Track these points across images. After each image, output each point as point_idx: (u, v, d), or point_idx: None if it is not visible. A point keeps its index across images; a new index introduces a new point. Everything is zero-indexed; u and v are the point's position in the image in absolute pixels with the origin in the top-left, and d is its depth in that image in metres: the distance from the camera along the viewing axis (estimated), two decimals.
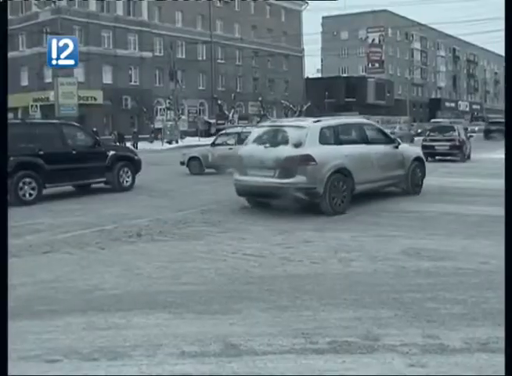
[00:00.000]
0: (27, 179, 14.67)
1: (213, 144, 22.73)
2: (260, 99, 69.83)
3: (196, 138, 53.90)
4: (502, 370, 4.43)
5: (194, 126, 60.21)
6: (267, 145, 12.16)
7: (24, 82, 58.83)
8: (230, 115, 64.89)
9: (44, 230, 10.70)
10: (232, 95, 67.70)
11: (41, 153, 15.13)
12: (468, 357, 4.67)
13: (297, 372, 4.47)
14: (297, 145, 11.70)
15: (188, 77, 66.54)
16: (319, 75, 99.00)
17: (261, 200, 12.80)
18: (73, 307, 6.06)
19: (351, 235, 9.56)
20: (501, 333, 5.13)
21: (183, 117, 60.64)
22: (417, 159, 14.60)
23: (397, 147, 13.88)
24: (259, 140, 12.60)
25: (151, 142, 52.68)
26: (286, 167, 11.64)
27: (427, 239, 9.22)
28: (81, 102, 48.51)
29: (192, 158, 22.59)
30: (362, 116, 70.19)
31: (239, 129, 23.06)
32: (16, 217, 11.40)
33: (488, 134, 51.14)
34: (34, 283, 6.90)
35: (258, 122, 63.44)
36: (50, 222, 11.57)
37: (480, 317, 5.57)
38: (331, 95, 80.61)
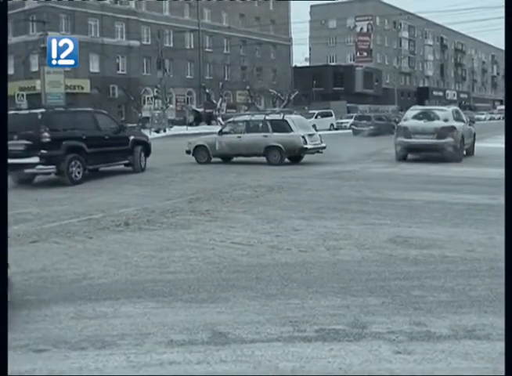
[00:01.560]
0: (76, 161, 16.36)
1: (220, 132, 22.27)
2: (248, 87, 69.65)
3: (184, 127, 53.73)
4: (487, 356, 4.47)
5: (182, 115, 60.03)
6: (425, 120, 21.22)
7: (10, 71, 58.37)
8: (218, 104, 64.68)
9: (31, 220, 10.67)
10: (220, 83, 67.48)
11: (84, 137, 16.82)
12: (455, 344, 4.70)
13: (284, 360, 4.48)
14: (446, 120, 20.95)
15: (175, 66, 66.31)
16: (307, 64, 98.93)
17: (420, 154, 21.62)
18: (61, 296, 6.05)
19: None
20: (487, 320, 5.19)
21: (171, 105, 60.49)
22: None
23: (470, 125, 23.87)
24: (417, 117, 21.58)
25: (139, 131, 52.37)
26: (442, 132, 20.39)
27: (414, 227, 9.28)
28: (68, 91, 48.22)
29: (198, 147, 22.10)
30: (350, 105, 70.44)
31: (247, 117, 22.60)
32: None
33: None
34: (22, 273, 6.88)
35: (246, 111, 63.47)
36: (37, 212, 11.53)
37: (466, 304, 5.60)
38: (319, 83, 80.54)
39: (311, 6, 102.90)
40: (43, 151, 15.79)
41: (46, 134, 15.86)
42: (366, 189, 13.97)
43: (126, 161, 18.70)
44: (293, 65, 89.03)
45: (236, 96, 73.74)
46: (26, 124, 15.89)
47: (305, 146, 20.60)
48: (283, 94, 73.23)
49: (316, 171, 18.36)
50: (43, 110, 16.99)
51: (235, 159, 21.66)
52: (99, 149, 17.17)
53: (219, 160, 21.78)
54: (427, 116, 21.46)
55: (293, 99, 71.90)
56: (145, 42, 63.53)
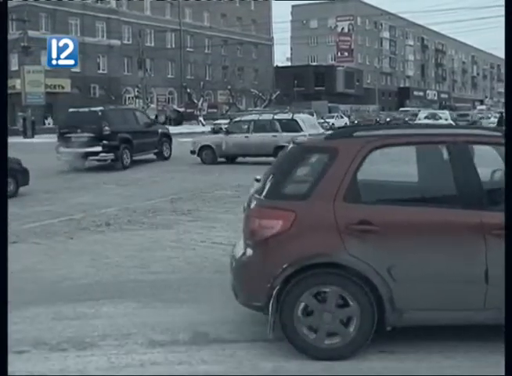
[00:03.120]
0: (127, 150, 20.10)
1: (227, 132, 21.88)
2: (229, 87, 69.49)
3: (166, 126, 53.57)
4: None
5: (163, 114, 59.84)
6: (433, 119, 30.77)
7: None
8: (199, 104, 64.53)
9: (10, 220, 10.57)
10: (201, 83, 67.26)
11: (130, 131, 20.66)
12: None
13: (265, 359, 4.49)
14: (446, 119, 30.53)
15: (156, 66, 66.05)
16: (289, 64, 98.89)
17: None
18: (41, 297, 6.03)
19: None
20: None
21: (152, 105, 60.23)
22: None
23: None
24: (426, 117, 32.53)
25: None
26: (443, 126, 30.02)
27: None
28: (49, 90, 47.93)
29: (204, 147, 21.56)
30: (331, 105, 70.63)
31: (255, 117, 22.20)
32: None
33: None
34: None
35: (227, 111, 63.37)
36: (17, 212, 11.45)
37: None
38: (300, 83, 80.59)
39: (293, 6, 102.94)
40: (104, 142, 19.69)
41: (107, 128, 19.85)
42: None
43: (156, 150, 22.34)
44: (275, 65, 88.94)
45: (217, 96, 73.55)
46: (87, 120, 20.11)
47: None
48: (265, 94, 73.17)
49: None
50: (102, 108, 21.29)
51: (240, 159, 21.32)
52: (139, 140, 20.86)
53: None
54: (433, 116, 34.07)
55: (275, 99, 71.88)
56: (126, 42, 63.20)
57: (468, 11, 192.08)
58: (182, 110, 64.67)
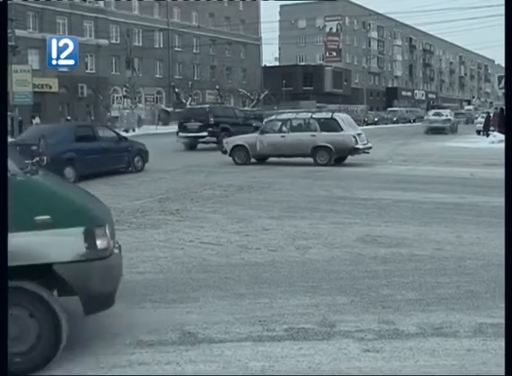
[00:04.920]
0: (226, 136, 23.92)
1: (262, 131, 20.83)
2: (217, 87, 69.44)
3: (154, 126, 53.48)
4: (454, 353, 4.53)
5: (151, 114, 59.71)
6: (437, 116, 45.12)
7: None
8: (187, 103, 64.44)
9: None
10: (190, 83, 67.22)
11: (230, 122, 28.44)
12: (422, 342, 4.75)
13: (254, 359, 4.49)
14: (446, 115, 44.84)
15: (145, 65, 65.92)
16: (277, 64, 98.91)
17: None
18: None
19: None
20: (454, 318, 5.25)
21: (140, 105, 60.10)
22: None
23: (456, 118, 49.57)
24: (433, 115, 46.01)
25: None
26: (445, 121, 44.62)
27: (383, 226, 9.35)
28: (36, 90, 47.59)
29: (236, 147, 20.67)
30: (319, 104, 70.68)
31: (291, 115, 21.45)
32: None
33: None
34: None
35: None
36: None
37: (434, 302, 5.66)
38: (289, 83, 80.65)
39: (281, 6, 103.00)
40: (210, 129, 27.58)
41: (212, 119, 27.87)
42: (337, 187, 14.03)
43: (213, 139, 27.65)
44: (263, 65, 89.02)
45: (205, 96, 73.41)
46: (198, 113, 29.26)
47: (356, 146, 19.37)
48: (253, 94, 73.22)
49: (285, 170, 18.35)
50: (208, 105, 33.84)
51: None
52: (236, 129, 26.29)
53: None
54: (438, 114, 45.67)
55: (263, 99, 71.95)
56: (114, 41, 62.99)
57: (456, 11, 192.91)
58: (170, 109, 64.57)
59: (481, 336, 4.85)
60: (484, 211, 10.66)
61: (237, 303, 5.73)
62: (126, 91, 56.99)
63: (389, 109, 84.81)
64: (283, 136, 19.89)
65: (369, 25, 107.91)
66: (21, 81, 44.79)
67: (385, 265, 7.05)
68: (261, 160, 20.68)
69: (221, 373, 4.31)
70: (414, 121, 72.07)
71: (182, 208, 11.31)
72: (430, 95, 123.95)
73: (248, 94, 73.25)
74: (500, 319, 5.03)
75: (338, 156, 19.65)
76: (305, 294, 5.95)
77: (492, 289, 5.96)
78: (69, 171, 16.40)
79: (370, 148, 20.34)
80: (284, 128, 20.16)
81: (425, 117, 48.20)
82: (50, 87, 55.01)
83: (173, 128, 55.22)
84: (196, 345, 4.76)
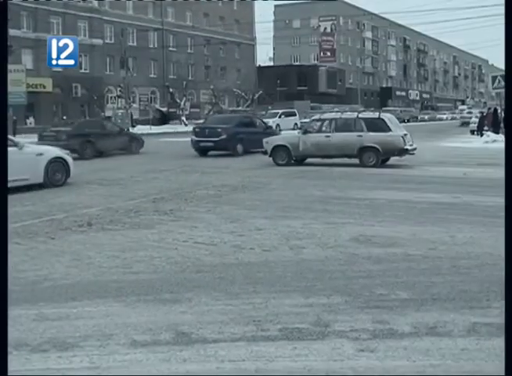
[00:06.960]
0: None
1: (305, 131, 20.41)
2: (212, 87, 69.42)
3: (148, 126, 53.43)
4: (448, 353, 4.53)
5: (146, 114, 59.65)
6: None
7: None
8: (182, 103, 64.40)
9: None
10: (184, 83, 67.15)
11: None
12: (416, 341, 4.75)
13: (248, 359, 4.48)
14: None
15: (139, 65, 65.85)
16: (271, 64, 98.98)
17: None
18: (22, 298, 5.97)
19: None
20: (448, 317, 5.25)
21: (134, 105, 60.04)
22: None
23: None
24: None
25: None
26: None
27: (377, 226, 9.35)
28: (30, 89, 47.43)
29: (277, 147, 20.17)
30: (313, 104, 70.72)
31: (336, 115, 21.16)
32: None
33: None
34: None
35: (210, 110, 63.37)
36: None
37: (428, 302, 5.66)
38: (283, 83, 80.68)
39: (276, 6, 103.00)
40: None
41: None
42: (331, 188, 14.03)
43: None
44: (257, 65, 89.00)
45: (199, 96, 73.40)
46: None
47: (405, 147, 18.90)
48: (247, 93, 73.23)
49: (281, 170, 18.36)
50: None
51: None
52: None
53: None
54: (469, 113, 52.32)
55: (257, 99, 71.96)
56: (108, 41, 62.90)
57: (449, 11, 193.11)
58: (164, 109, 64.53)
59: (475, 335, 4.86)
60: (478, 210, 10.68)
61: (231, 303, 5.73)
62: (120, 91, 56.92)
63: (383, 109, 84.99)
64: (327, 136, 19.35)
65: (364, 25, 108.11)
66: (15, 81, 44.66)
67: (379, 264, 7.05)
68: (301, 160, 20.22)
69: (215, 373, 4.30)
70: (408, 121, 72.17)
71: (175, 208, 11.31)
72: (424, 95, 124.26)
73: (243, 94, 73.26)
74: (494, 319, 5.06)
75: (386, 157, 19.31)
76: (299, 294, 5.95)
77: (486, 289, 5.97)
78: (239, 147, 25.00)
79: (415, 149, 19.78)
80: (329, 128, 19.64)
81: (458, 116, 69.54)
82: (44, 87, 54.88)
83: (168, 127, 55.56)
84: (190, 345, 4.75)
